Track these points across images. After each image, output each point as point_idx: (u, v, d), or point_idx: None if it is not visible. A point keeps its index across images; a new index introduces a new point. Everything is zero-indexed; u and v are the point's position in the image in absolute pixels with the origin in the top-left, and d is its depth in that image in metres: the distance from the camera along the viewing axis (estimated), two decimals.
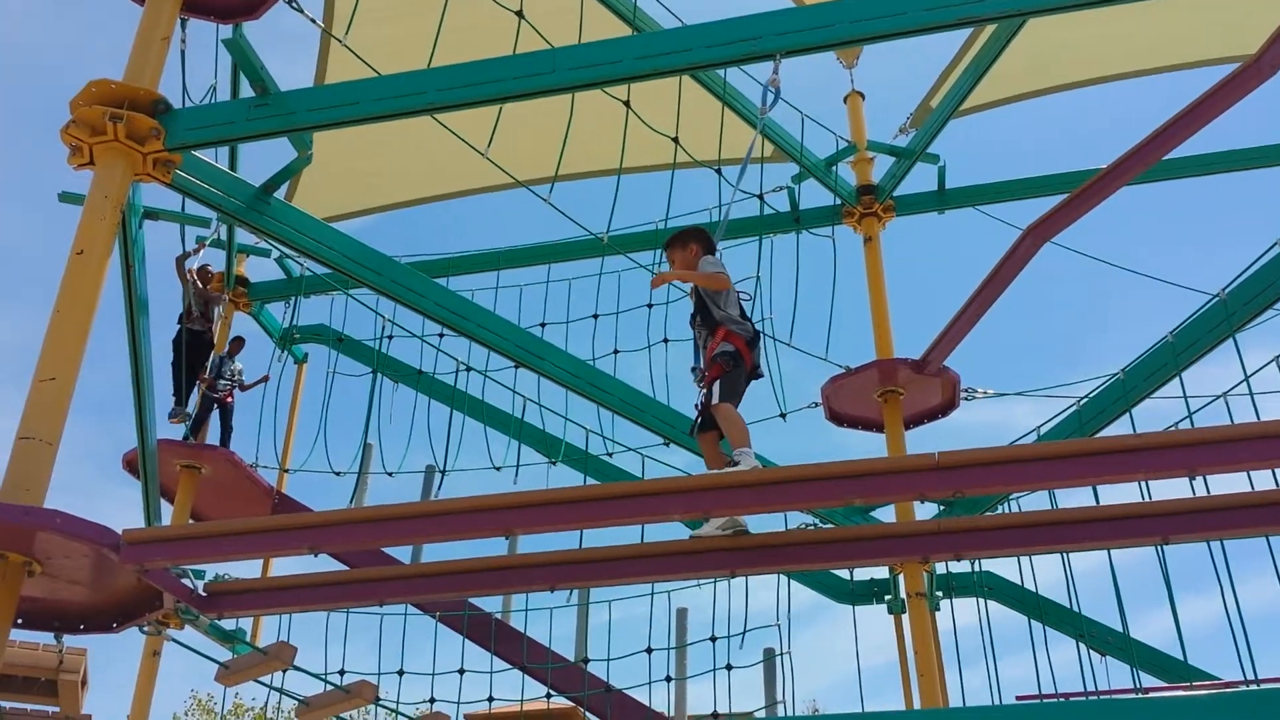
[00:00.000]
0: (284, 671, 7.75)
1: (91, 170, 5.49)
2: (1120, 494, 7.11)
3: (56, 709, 8.74)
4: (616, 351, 8.72)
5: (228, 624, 8.37)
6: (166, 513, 8.48)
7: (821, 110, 9.23)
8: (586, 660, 8.33)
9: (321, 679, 7.93)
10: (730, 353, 4.80)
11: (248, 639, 8.70)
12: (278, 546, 4.56)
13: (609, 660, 8.06)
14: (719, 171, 8.39)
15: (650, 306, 8.81)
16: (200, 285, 9.63)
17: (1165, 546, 7.31)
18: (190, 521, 8.59)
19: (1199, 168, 9.05)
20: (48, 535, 4.47)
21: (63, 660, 8.40)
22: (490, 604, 8.58)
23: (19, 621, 4.87)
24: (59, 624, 5.38)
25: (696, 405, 4.95)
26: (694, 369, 5.07)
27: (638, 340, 8.70)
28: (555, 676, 8.04)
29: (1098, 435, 7.78)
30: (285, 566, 8.45)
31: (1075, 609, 8.34)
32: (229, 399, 9.66)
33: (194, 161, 6.06)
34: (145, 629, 7.92)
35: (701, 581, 7.68)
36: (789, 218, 9.38)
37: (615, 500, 4.30)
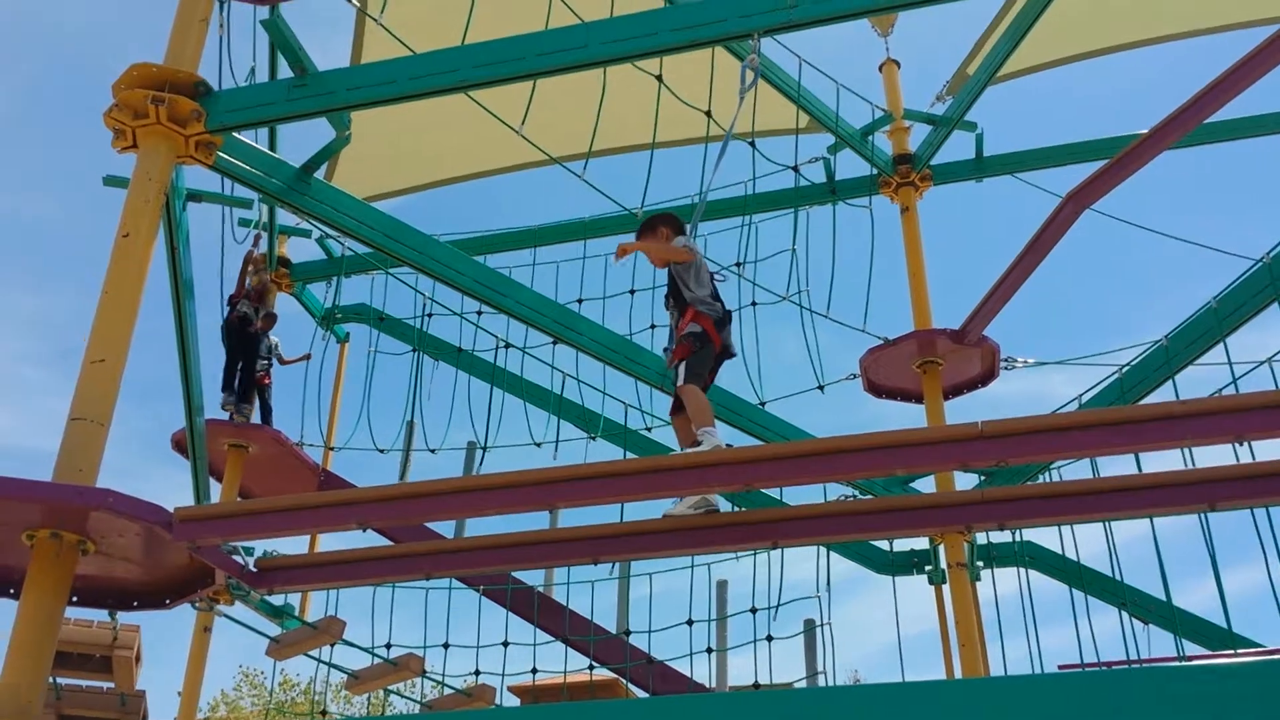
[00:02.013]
0: (333, 645, 7.88)
1: (135, 153, 5.56)
2: (1163, 464, 7.06)
3: (111, 685, 8.91)
4: (654, 326, 8.68)
5: (277, 600, 8.52)
6: (215, 492, 8.62)
7: (857, 79, 9.17)
8: (628, 632, 8.40)
9: (370, 652, 8.05)
10: (697, 333, 4.87)
11: (297, 614, 8.85)
12: (326, 522, 4.63)
13: (650, 632, 8.13)
14: (753, 144, 8.36)
15: None
16: (267, 279, 9.76)
17: (1209, 514, 7.28)
18: (239, 499, 8.73)
19: (1242, 131, 8.88)
20: (101, 514, 4.55)
21: (117, 637, 8.54)
22: (533, 578, 8.67)
23: (74, 599, 4.98)
24: (113, 601, 5.49)
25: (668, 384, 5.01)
26: (665, 349, 5.16)
27: None
28: (597, 648, 8.12)
29: (1141, 403, 7.72)
30: (331, 544, 8.56)
31: (1117, 578, 8.30)
32: (266, 379, 9.76)
33: (235, 143, 6.12)
34: (197, 605, 8.06)
35: (741, 554, 7.71)
36: (825, 189, 9.33)
37: (655, 473, 4.32)
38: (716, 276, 5.26)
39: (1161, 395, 7.75)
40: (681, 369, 4.82)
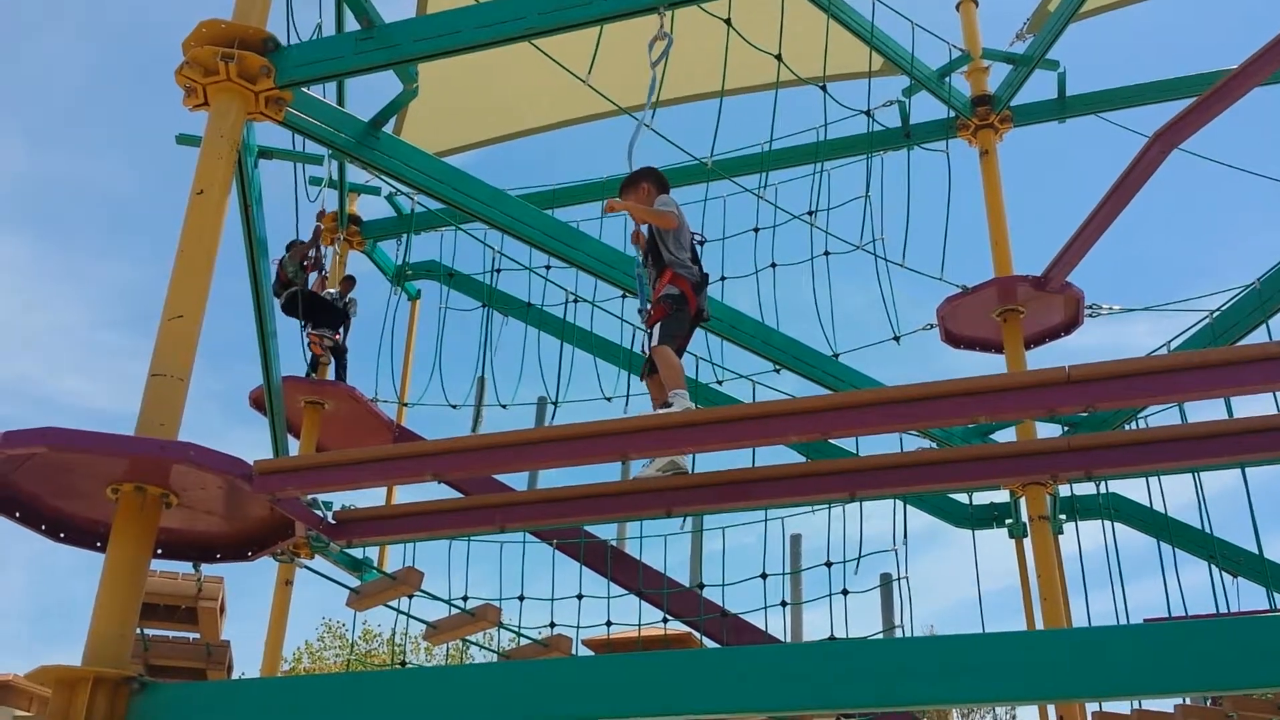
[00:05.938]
0: (411, 596, 7.99)
1: (206, 111, 5.58)
2: (1254, 411, 6.82)
3: (197, 635, 9.14)
4: (724, 278, 8.62)
5: (356, 552, 8.65)
6: (293, 448, 8.74)
7: (933, 19, 8.87)
8: (702, 586, 8.39)
9: (447, 603, 8.16)
10: (675, 295, 4.87)
11: (376, 566, 8.99)
12: (401, 473, 4.64)
13: (724, 586, 8.12)
14: (824, 89, 8.17)
15: (757, 231, 8.69)
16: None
17: None
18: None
19: None
20: (183, 467, 4.61)
21: (201, 589, 8.75)
22: (605, 533, 8.69)
23: (159, 552, 5.08)
24: (196, 554, 5.58)
25: (643, 350, 4.98)
26: (640, 309, 5.12)
27: (745, 266, 8.60)
28: (671, 602, 8.13)
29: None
30: (407, 500, 8.65)
31: (1206, 530, 8.09)
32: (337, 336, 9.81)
33: (304, 98, 6.12)
34: (278, 557, 8.22)
35: (815, 507, 7.64)
36: (900, 133, 9.09)
37: (731, 423, 4.24)
38: (697, 238, 5.25)
39: (1255, 340, 7.49)
40: (657, 330, 4.83)
